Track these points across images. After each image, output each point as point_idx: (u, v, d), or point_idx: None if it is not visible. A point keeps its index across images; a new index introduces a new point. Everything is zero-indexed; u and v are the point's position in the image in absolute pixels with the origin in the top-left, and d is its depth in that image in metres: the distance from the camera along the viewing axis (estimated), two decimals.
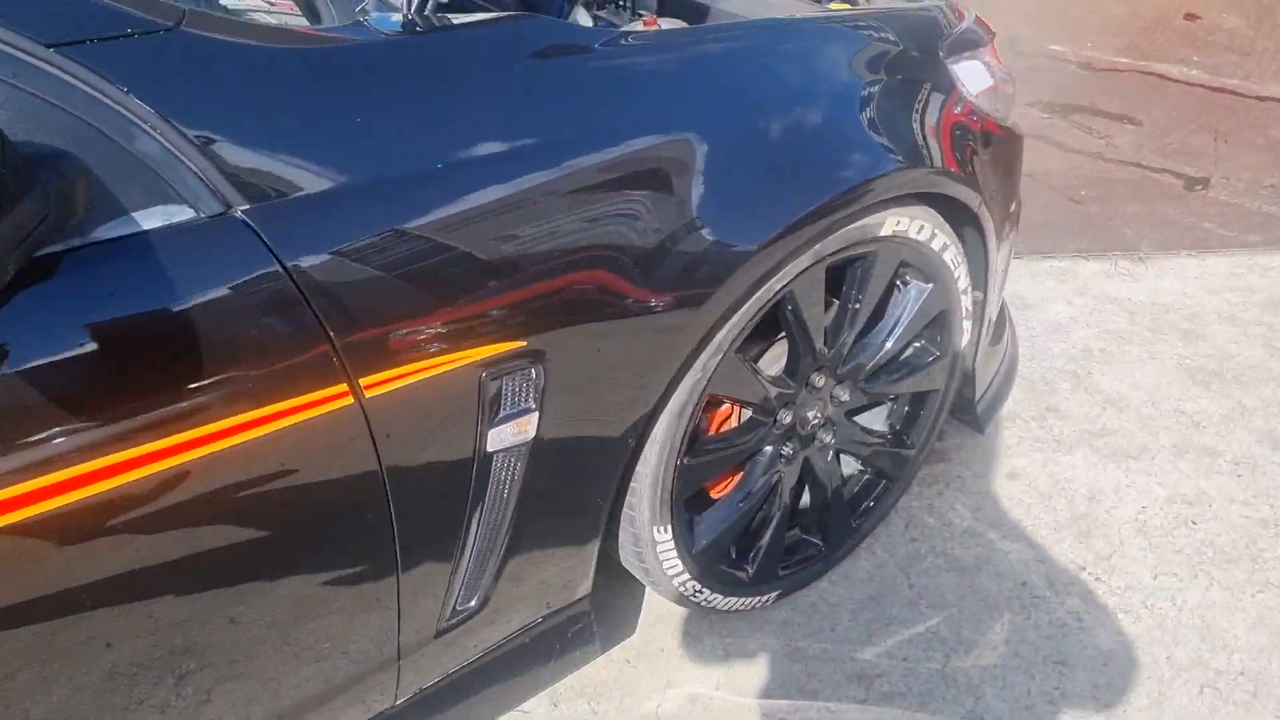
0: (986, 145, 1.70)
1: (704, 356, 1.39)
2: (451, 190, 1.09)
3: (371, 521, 1.15)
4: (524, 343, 1.16)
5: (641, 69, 1.27)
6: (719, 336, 1.39)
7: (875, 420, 1.90)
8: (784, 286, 1.43)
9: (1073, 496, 2.09)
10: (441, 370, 1.11)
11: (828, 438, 1.72)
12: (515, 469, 1.25)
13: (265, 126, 1.00)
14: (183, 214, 0.95)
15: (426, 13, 1.18)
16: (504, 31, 1.19)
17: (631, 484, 1.46)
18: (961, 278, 1.73)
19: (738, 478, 1.67)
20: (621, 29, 1.54)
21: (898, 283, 1.71)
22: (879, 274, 1.59)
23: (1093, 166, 3.56)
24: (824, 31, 1.52)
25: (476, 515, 1.26)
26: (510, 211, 1.13)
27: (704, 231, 1.27)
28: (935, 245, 1.63)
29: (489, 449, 1.20)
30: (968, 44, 1.72)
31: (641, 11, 1.80)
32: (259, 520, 1.05)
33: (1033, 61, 4.57)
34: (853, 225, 1.47)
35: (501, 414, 1.19)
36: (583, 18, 1.34)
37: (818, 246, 1.44)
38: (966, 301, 1.78)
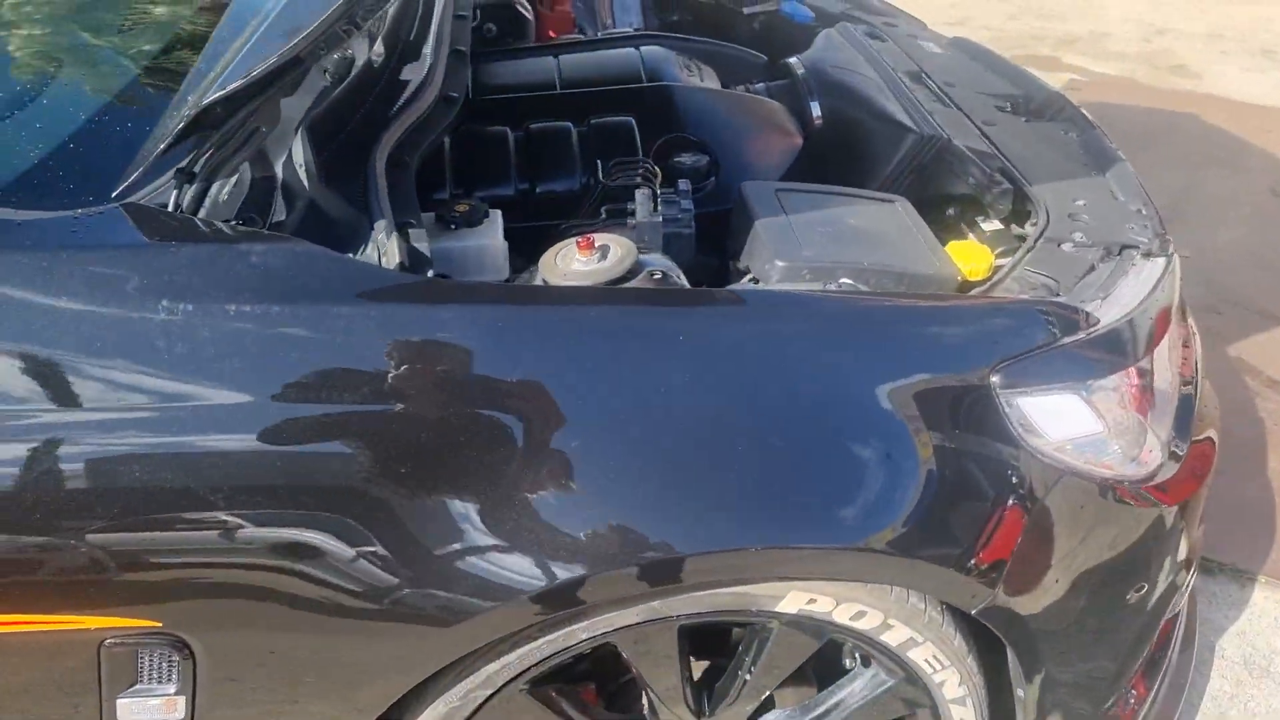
0: (1045, 521, 1.15)
1: (464, 686, 1.10)
2: (89, 432, 0.93)
3: None
4: (159, 623, 0.99)
5: (428, 320, 1.01)
6: (488, 669, 1.09)
7: None
8: (595, 637, 1.08)
9: None
10: (38, 629, 0.98)
11: None
12: None
13: None
14: None
15: (201, 214, 1.00)
16: (240, 255, 0.98)
17: None
18: (950, 684, 1.21)
19: None
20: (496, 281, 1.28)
21: (848, 659, 1.24)
22: (783, 654, 1.16)
23: None
24: (774, 312, 1.11)
25: None
26: (160, 470, 0.94)
27: (451, 551, 0.99)
28: (889, 639, 1.15)
29: (120, 717, 1.04)
30: (1066, 368, 1.17)
31: (681, 199, 1.43)
32: None
33: None
34: (717, 591, 1.07)
35: (135, 688, 1.03)
36: (391, 250, 1.06)
37: (655, 604, 1.07)
38: (965, 712, 1.24)
